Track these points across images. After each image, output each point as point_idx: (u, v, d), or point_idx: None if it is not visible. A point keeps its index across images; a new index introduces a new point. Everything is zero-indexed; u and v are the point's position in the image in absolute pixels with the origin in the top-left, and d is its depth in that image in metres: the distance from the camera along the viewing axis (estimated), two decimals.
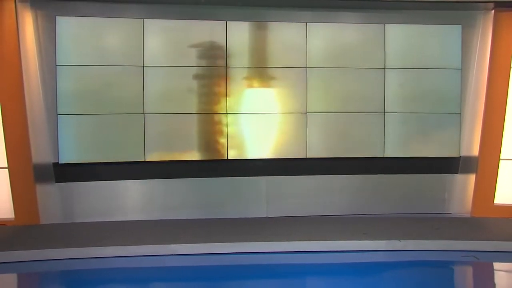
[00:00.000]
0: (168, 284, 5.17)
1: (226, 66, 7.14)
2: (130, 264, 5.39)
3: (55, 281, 5.29)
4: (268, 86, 7.28)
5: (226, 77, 7.13)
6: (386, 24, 7.31)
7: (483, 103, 7.25)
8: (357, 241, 5.70)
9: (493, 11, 7.18)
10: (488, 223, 6.65)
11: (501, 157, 7.19)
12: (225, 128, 7.18)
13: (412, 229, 6.20)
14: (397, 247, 5.63)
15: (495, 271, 5.47)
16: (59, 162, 6.74)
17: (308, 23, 7.24)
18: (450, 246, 5.60)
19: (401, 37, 7.34)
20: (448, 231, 6.08)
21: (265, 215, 7.20)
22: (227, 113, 7.18)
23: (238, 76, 7.16)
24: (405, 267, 5.41)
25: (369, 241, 5.70)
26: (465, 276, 5.13)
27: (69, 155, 6.78)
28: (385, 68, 7.34)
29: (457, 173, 7.46)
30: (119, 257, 5.48)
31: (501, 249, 5.50)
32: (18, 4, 6.42)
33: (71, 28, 6.74)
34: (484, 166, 7.25)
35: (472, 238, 5.72)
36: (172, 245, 5.61)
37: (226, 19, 7.10)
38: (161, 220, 6.76)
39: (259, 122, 7.26)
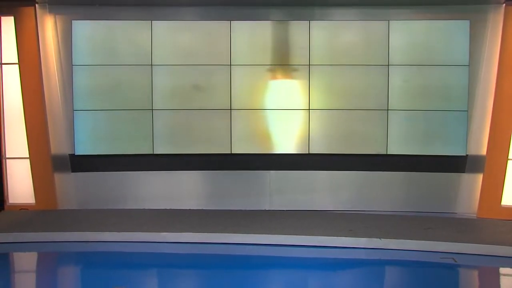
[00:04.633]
0: (157, 270, 5.55)
1: (230, 64, 7.42)
2: (125, 249, 5.90)
3: (53, 261, 5.89)
4: (272, 84, 7.49)
5: (230, 75, 7.42)
6: (390, 21, 7.25)
7: (492, 101, 7.03)
8: (337, 237, 5.81)
9: (504, 4, 6.92)
10: (485, 225, 6.50)
11: (509, 157, 6.96)
12: (229, 124, 7.48)
13: (401, 228, 6.20)
14: (377, 245, 5.68)
15: (471, 274, 5.40)
16: (75, 154, 7.41)
17: (310, 21, 7.35)
18: (431, 247, 5.56)
19: (405, 34, 7.27)
20: (437, 232, 6.02)
21: (267, 208, 7.47)
22: (231, 109, 7.48)
23: (241, 74, 7.43)
24: (381, 266, 5.46)
25: (349, 237, 5.79)
26: (439, 278, 5.07)
27: (84, 147, 7.43)
28: (388, 65, 7.30)
29: (463, 172, 7.30)
30: (115, 242, 5.99)
31: (482, 252, 5.40)
32: (38, 10, 7.10)
33: (86, 31, 7.34)
34: (491, 166, 7.04)
35: (456, 240, 5.64)
36: (163, 233, 6.05)
37: (230, 18, 7.37)
38: (163, 209, 7.22)
39: (262, 118, 7.51)
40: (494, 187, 7.00)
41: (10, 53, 7.14)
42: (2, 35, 7.16)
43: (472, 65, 7.15)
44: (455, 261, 5.30)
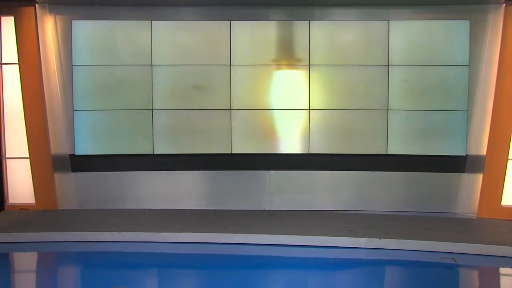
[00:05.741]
0: (157, 270, 5.56)
1: (230, 64, 7.42)
2: (125, 249, 5.90)
3: (53, 261, 5.90)
4: (272, 84, 7.49)
5: (230, 75, 7.42)
6: (390, 21, 7.26)
7: (492, 101, 7.03)
8: (337, 237, 5.81)
9: (504, 4, 6.92)
10: (485, 225, 6.50)
11: (509, 157, 6.95)
12: (229, 124, 7.48)
13: (401, 227, 6.20)
14: (377, 245, 5.68)
15: (471, 274, 5.41)
16: (75, 154, 7.41)
17: (310, 21, 7.35)
18: (431, 247, 5.56)
19: (405, 34, 7.27)
20: (437, 232, 6.02)
21: (267, 208, 7.47)
22: (231, 109, 7.48)
23: (241, 74, 7.43)
24: (381, 266, 5.46)
25: (349, 237, 5.79)
26: (439, 278, 5.06)
27: (84, 147, 7.43)
28: (388, 65, 7.30)
29: (463, 172, 7.29)
30: (115, 242, 5.99)
31: (482, 252, 5.40)
32: (38, 10, 7.10)
33: (86, 31, 7.34)
34: (491, 166, 7.03)
35: (456, 240, 5.64)
36: (163, 233, 6.05)
37: (230, 18, 7.37)
38: (163, 209, 7.22)
39: (263, 118, 7.51)
40: (494, 187, 7.00)
41: (10, 53, 7.14)
42: (2, 35, 7.16)
43: (472, 65, 7.15)
44: (455, 261, 5.30)
